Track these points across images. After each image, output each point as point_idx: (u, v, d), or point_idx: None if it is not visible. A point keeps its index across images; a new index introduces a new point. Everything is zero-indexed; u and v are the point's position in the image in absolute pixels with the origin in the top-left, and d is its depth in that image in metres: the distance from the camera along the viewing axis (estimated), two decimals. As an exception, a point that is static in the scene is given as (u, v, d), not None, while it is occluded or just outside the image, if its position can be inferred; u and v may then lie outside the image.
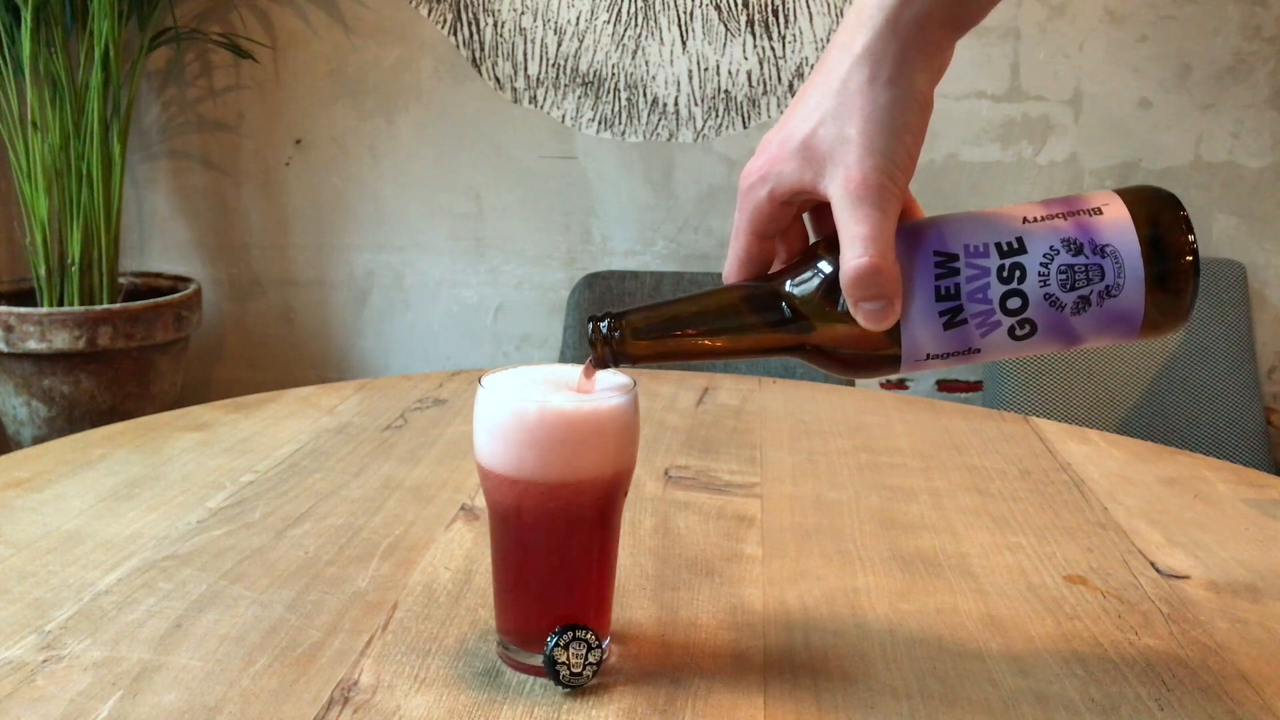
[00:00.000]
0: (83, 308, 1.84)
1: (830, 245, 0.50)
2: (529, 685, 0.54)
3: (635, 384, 0.56)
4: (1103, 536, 0.77)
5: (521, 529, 0.55)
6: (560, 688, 0.54)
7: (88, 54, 1.89)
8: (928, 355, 0.50)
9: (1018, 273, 0.48)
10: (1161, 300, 0.48)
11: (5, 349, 1.83)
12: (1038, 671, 0.57)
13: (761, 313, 0.51)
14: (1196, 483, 0.89)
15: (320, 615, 0.61)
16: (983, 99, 2.09)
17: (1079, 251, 0.47)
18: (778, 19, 2.08)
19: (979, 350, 0.49)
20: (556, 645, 0.53)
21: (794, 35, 2.08)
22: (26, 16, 1.83)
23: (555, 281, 2.22)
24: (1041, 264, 0.48)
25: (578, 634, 0.53)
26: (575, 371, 0.56)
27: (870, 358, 0.51)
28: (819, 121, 0.49)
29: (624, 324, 0.52)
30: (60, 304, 1.94)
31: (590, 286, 1.98)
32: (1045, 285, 0.48)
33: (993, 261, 0.48)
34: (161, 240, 2.27)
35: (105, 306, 1.87)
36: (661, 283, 1.98)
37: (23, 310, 1.82)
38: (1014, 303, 0.48)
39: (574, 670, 0.53)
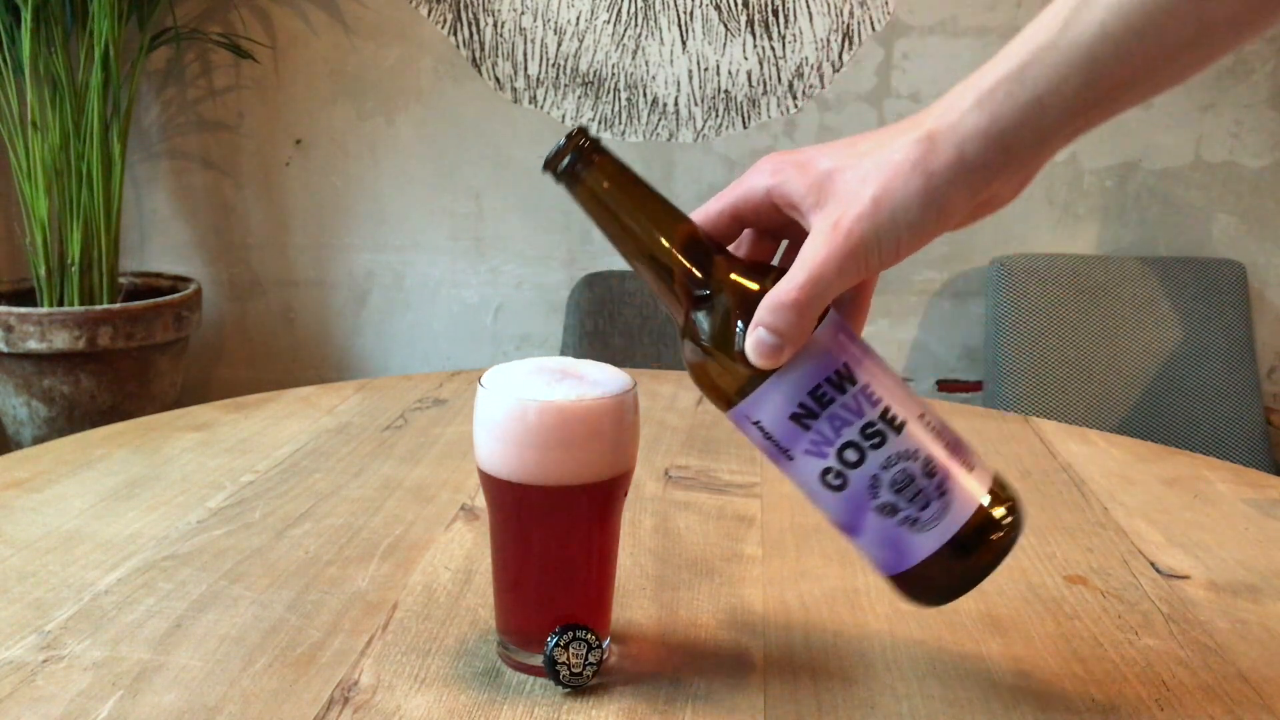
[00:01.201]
0: (83, 308, 1.84)
1: (779, 275, 0.49)
2: (529, 685, 0.54)
3: (635, 384, 0.56)
4: (1103, 536, 0.77)
5: (521, 529, 0.55)
6: (560, 688, 0.54)
7: (88, 54, 1.89)
8: (756, 422, 0.50)
9: (876, 440, 0.48)
10: (932, 573, 0.49)
11: (5, 349, 1.83)
12: (1038, 671, 0.57)
13: (688, 253, 0.51)
14: (1196, 483, 0.89)
15: (320, 615, 0.61)
16: (983, 99, 2.09)
17: (930, 475, 0.48)
18: (778, 19, 2.08)
19: (790, 459, 0.49)
20: (556, 645, 0.53)
21: (794, 35, 2.08)
22: (26, 16, 1.83)
23: (555, 281, 2.22)
24: (899, 454, 0.48)
25: (578, 634, 0.53)
26: (574, 363, 0.56)
27: (717, 373, 0.50)
28: (848, 168, 0.48)
29: (596, 153, 0.51)
30: (60, 304, 1.94)
31: (590, 286, 1.98)
32: (884, 469, 0.48)
33: (871, 415, 0.48)
34: (161, 240, 2.27)
35: (105, 306, 1.87)
36: (661, 283, 1.98)
37: (23, 310, 1.82)
38: (851, 456, 0.48)
39: (574, 670, 0.53)
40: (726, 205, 0.52)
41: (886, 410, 0.49)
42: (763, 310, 0.48)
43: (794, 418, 0.49)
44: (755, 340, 0.48)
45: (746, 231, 0.53)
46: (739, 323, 0.49)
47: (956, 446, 0.50)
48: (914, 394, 0.50)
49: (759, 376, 0.49)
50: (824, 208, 0.48)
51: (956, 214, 0.47)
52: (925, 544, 0.48)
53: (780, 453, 0.50)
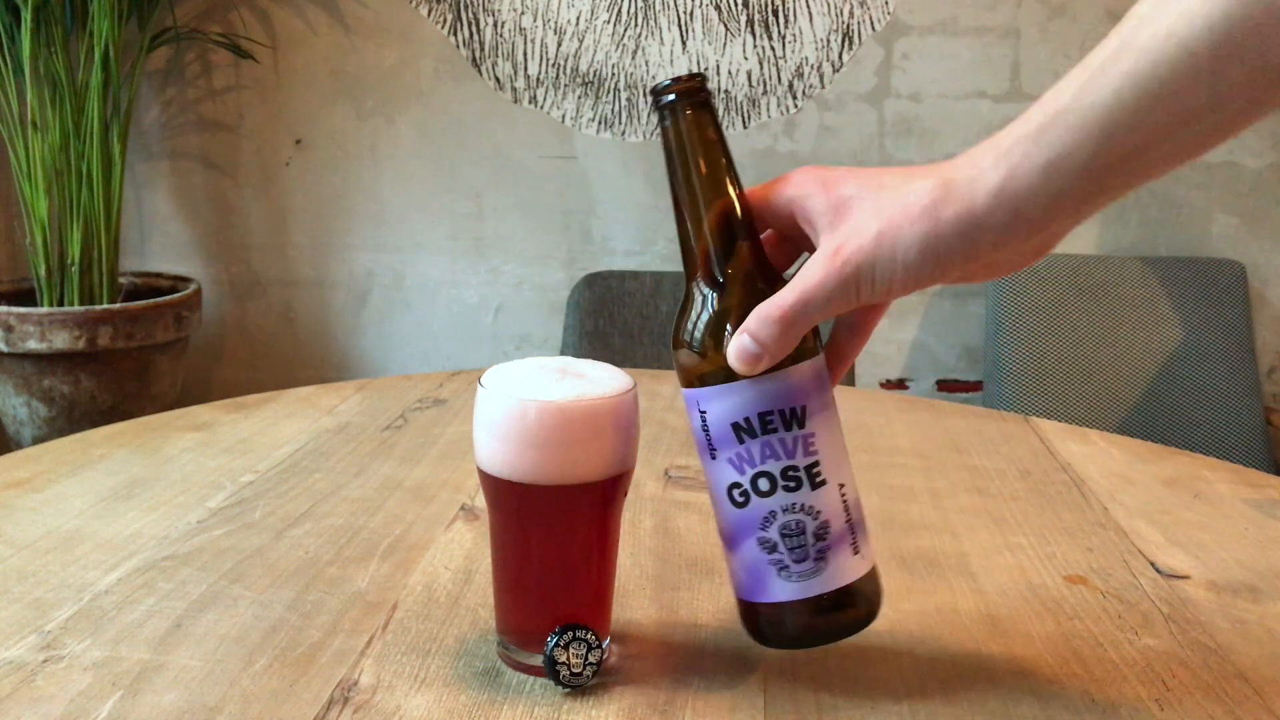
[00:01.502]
0: (83, 308, 1.84)
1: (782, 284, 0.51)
2: (529, 685, 0.54)
3: (635, 384, 0.56)
4: (1103, 536, 0.77)
5: (522, 529, 0.55)
6: (560, 688, 0.54)
7: (88, 54, 1.89)
8: (703, 412, 0.52)
9: (792, 484, 0.51)
10: (775, 617, 0.53)
11: (5, 349, 1.83)
12: (1038, 671, 0.57)
13: (723, 229, 0.52)
14: (1196, 483, 0.89)
15: (320, 615, 0.61)
16: (983, 99, 2.09)
17: (818, 538, 0.51)
18: (778, 19, 2.08)
19: (712, 458, 0.52)
20: (556, 645, 0.53)
21: (794, 35, 2.08)
22: (26, 16, 1.83)
23: (555, 281, 2.22)
24: (803, 506, 0.51)
25: (578, 634, 0.53)
26: (574, 363, 0.56)
27: (695, 351, 0.52)
28: (866, 198, 0.48)
29: (703, 105, 0.52)
30: (60, 304, 1.94)
31: (590, 286, 1.98)
32: (784, 511, 0.51)
33: (799, 461, 0.51)
34: (161, 240, 2.27)
35: (105, 306, 1.87)
36: (662, 283, 1.98)
37: (23, 310, 1.82)
38: (763, 485, 0.51)
39: (574, 670, 0.53)
40: (754, 198, 0.53)
41: (815, 465, 0.51)
42: (752, 319, 0.49)
43: (735, 426, 0.51)
44: (739, 345, 0.49)
45: (769, 231, 0.54)
46: (731, 320, 0.51)
47: (856, 527, 0.53)
48: (848, 465, 0.53)
49: (727, 374, 0.51)
50: (833, 231, 0.49)
51: (953, 267, 0.47)
52: (781, 591, 0.52)
53: (707, 447, 0.52)
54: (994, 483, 0.88)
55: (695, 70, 0.54)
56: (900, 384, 2.19)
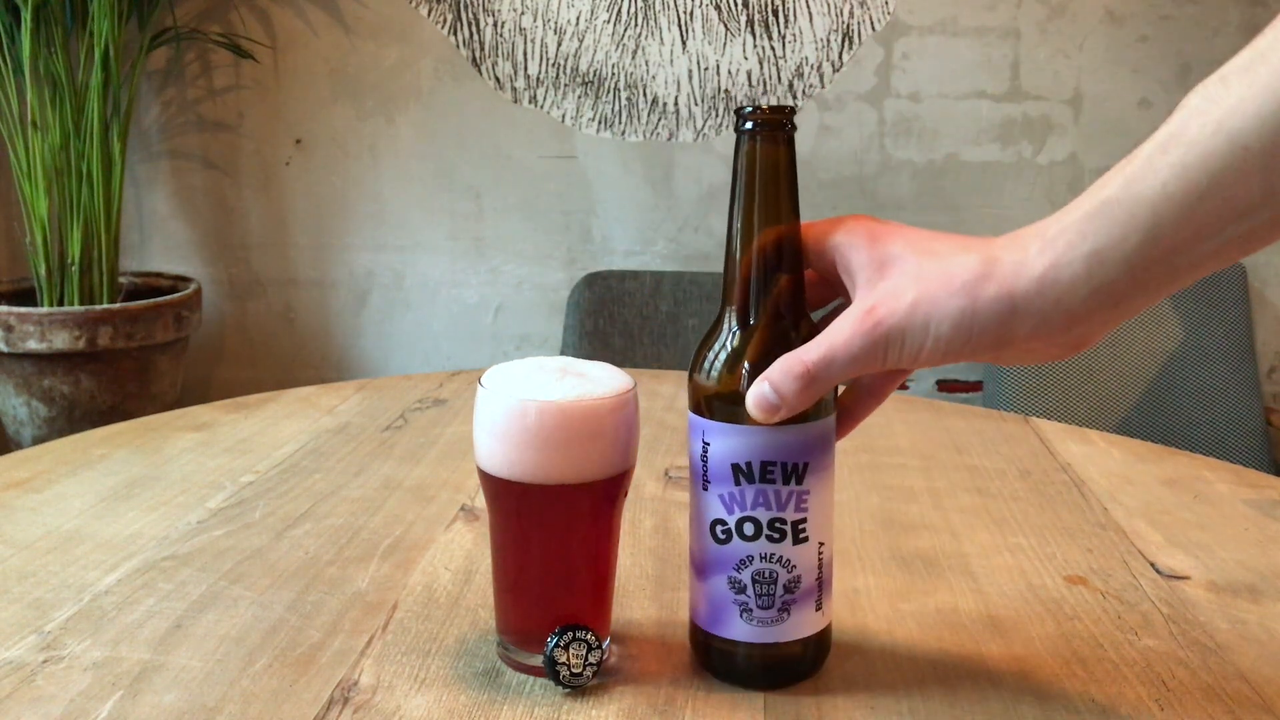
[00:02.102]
0: (83, 308, 1.84)
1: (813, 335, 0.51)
2: (529, 685, 0.54)
3: (635, 384, 0.56)
4: (1103, 537, 0.77)
5: (522, 529, 0.55)
6: (560, 688, 0.54)
7: (88, 54, 1.89)
8: (706, 442, 0.52)
9: (776, 536, 0.51)
10: (726, 650, 0.54)
11: (5, 349, 1.83)
12: (1038, 671, 0.57)
13: (767, 268, 0.51)
14: (1196, 483, 0.89)
15: (320, 616, 0.61)
16: (983, 99, 2.09)
17: (788, 591, 0.52)
18: (778, 19, 2.08)
19: (704, 489, 0.52)
20: (556, 645, 0.53)
21: (794, 35, 2.08)
22: (26, 16, 1.83)
23: (555, 281, 2.22)
24: (781, 559, 0.52)
25: (578, 634, 0.53)
26: (574, 363, 0.56)
27: (714, 379, 0.52)
28: (910, 261, 0.48)
29: (782, 140, 0.51)
30: (60, 304, 1.94)
31: (590, 286, 1.98)
32: (761, 560, 0.52)
33: (788, 515, 0.51)
34: (161, 240, 2.27)
35: (105, 306, 1.87)
36: (662, 283, 1.98)
37: (23, 310, 1.82)
38: (748, 529, 0.52)
39: (574, 670, 0.53)
40: (811, 233, 0.52)
41: (802, 521, 0.52)
42: (775, 369, 0.49)
43: (734, 467, 0.51)
44: (759, 393, 0.49)
45: (809, 272, 0.54)
46: (749, 358, 0.51)
47: (824, 585, 0.54)
48: (831, 524, 0.54)
49: (738, 413, 0.50)
50: (870, 289, 0.48)
51: (985, 347, 0.46)
52: (739, 631, 0.53)
53: (701, 477, 0.52)
54: (994, 483, 0.88)
55: (786, 105, 0.55)
56: (900, 384, 2.19)
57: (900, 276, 0.47)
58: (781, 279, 0.51)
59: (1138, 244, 0.42)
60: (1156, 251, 0.42)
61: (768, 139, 0.51)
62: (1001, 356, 0.48)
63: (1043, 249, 0.45)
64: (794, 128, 0.51)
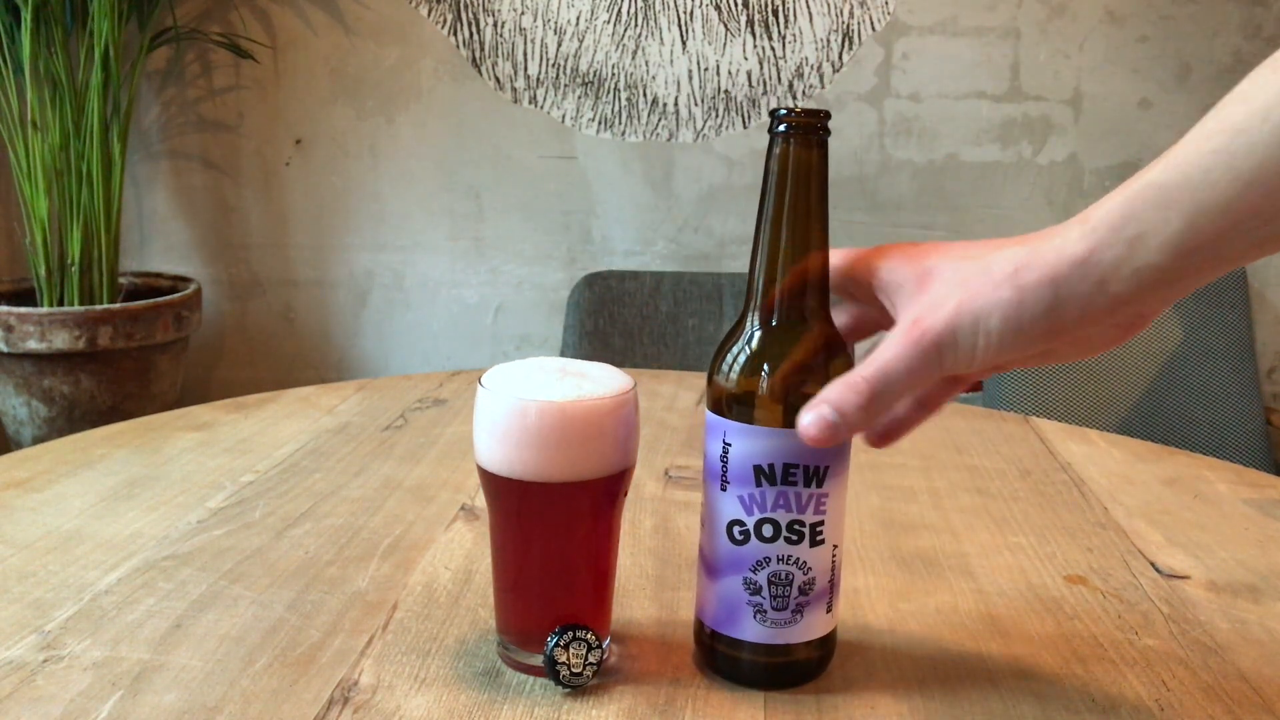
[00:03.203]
0: (83, 308, 1.84)
1: (836, 354, 0.51)
2: (529, 685, 0.54)
3: (635, 384, 0.56)
4: (1103, 536, 0.77)
5: (522, 529, 0.55)
6: (560, 688, 0.54)
7: (88, 54, 1.89)
8: (727, 444, 0.52)
9: (794, 538, 0.52)
10: (734, 652, 0.54)
11: (5, 349, 1.83)
12: (1038, 671, 0.57)
13: (799, 269, 0.51)
14: (1196, 483, 0.89)
15: (320, 615, 0.61)
16: (983, 99, 2.09)
17: (802, 593, 0.53)
18: (778, 19, 2.08)
19: (721, 489, 0.52)
20: (556, 645, 0.53)
21: (794, 35, 2.08)
22: (26, 16, 1.83)
23: (555, 281, 2.22)
24: (798, 561, 0.52)
25: (578, 634, 0.53)
26: (574, 363, 0.56)
27: (739, 388, 0.51)
28: (949, 268, 0.47)
29: (817, 144, 0.50)
30: (60, 304, 1.94)
31: (590, 286, 1.98)
32: (779, 561, 0.52)
33: (807, 518, 0.52)
34: (161, 240, 2.27)
35: (105, 306, 1.87)
36: (662, 283, 1.98)
37: (23, 310, 1.82)
38: (766, 531, 0.52)
39: (574, 670, 0.53)
40: (841, 264, 0.52)
41: (820, 524, 0.52)
42: (833, 389, 0.48)
43: (756, 468, 0.51)
44: (818, 415, 0.48)
45: (847, 317, 0.54)
46: (769, 360, 0.51)
47: (835, 588, 0.54)
48: (843, 530, 0.54)
49: (761, 414, 0.51)
50: (913, 303, 0.48)
51: (1037, 338, 0.45)
52: (751, 632, 0.53)
53: (719, 478, 0.52)
54: (994, 483, 0.88)
55: (821, 110, 0.54)
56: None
57: (941, 285, 0.47)
58: (808, 281, 0.51)
59: (1180, 229, 0.42)
60: (1199, 238, 0.42)
61: (801, 142, 0.50)
62: (1058, 348, 0.47)
63: (1084, 234, 0.44)
64: (828, 132, 0.51)
